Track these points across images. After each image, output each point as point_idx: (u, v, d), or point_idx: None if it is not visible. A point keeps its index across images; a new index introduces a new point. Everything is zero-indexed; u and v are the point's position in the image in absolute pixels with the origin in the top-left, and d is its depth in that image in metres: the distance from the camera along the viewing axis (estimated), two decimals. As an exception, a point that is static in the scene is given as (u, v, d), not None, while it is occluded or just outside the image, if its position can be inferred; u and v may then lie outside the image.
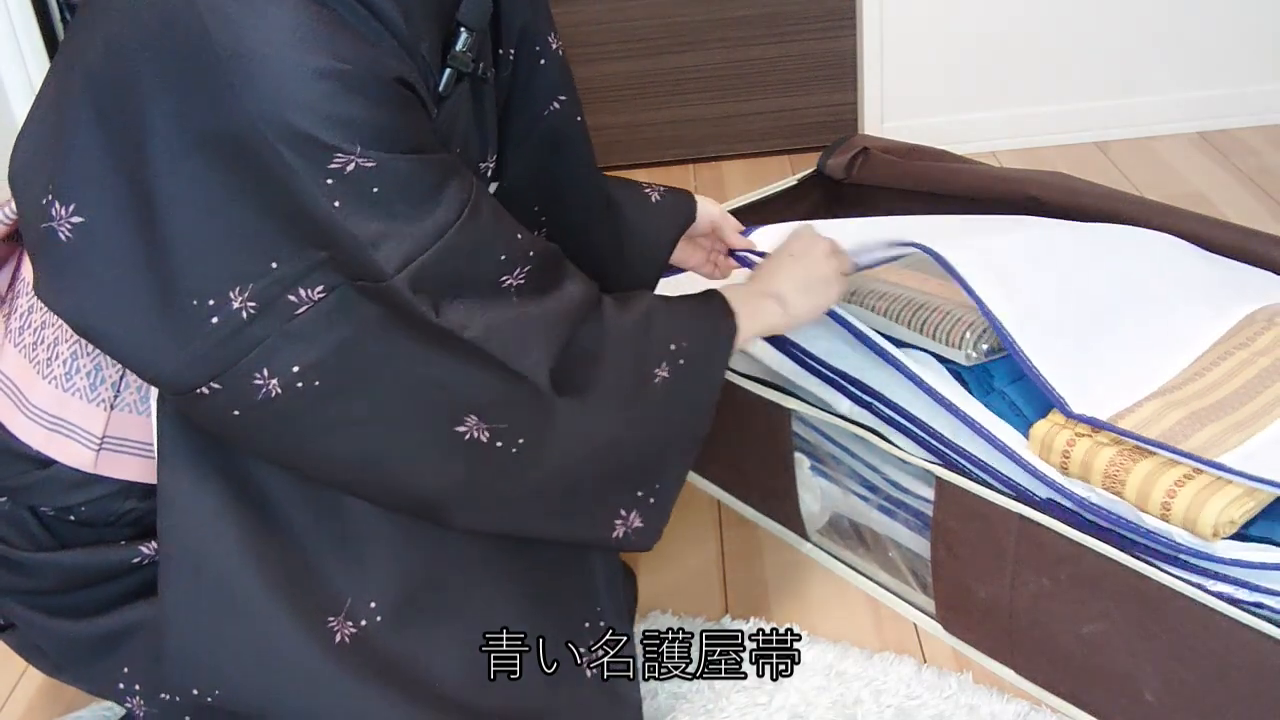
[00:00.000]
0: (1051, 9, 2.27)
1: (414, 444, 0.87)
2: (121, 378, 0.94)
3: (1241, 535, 0.97)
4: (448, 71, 0.89)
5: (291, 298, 0.81)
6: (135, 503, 0.97)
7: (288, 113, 0.76)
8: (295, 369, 0.82)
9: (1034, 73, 2.32)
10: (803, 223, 1.16)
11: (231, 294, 0.80)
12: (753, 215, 1.62)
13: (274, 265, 0.80)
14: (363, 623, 0.92)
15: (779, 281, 1.09)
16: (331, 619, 0.92)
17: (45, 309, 0.93)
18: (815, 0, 2.32)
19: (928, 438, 1.14)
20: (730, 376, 1.33)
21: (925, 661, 1.16)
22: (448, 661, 0.96)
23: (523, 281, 0.88)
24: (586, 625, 1.05)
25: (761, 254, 1.23)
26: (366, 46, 0.79)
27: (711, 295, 1.05)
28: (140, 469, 0.96)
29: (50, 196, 0.83)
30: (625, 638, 1.05)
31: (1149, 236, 1.31)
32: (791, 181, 1.69)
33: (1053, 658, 1.07)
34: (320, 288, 0.81)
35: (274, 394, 0.83)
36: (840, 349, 1.23)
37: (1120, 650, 1.01)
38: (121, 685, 0.99)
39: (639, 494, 0.99)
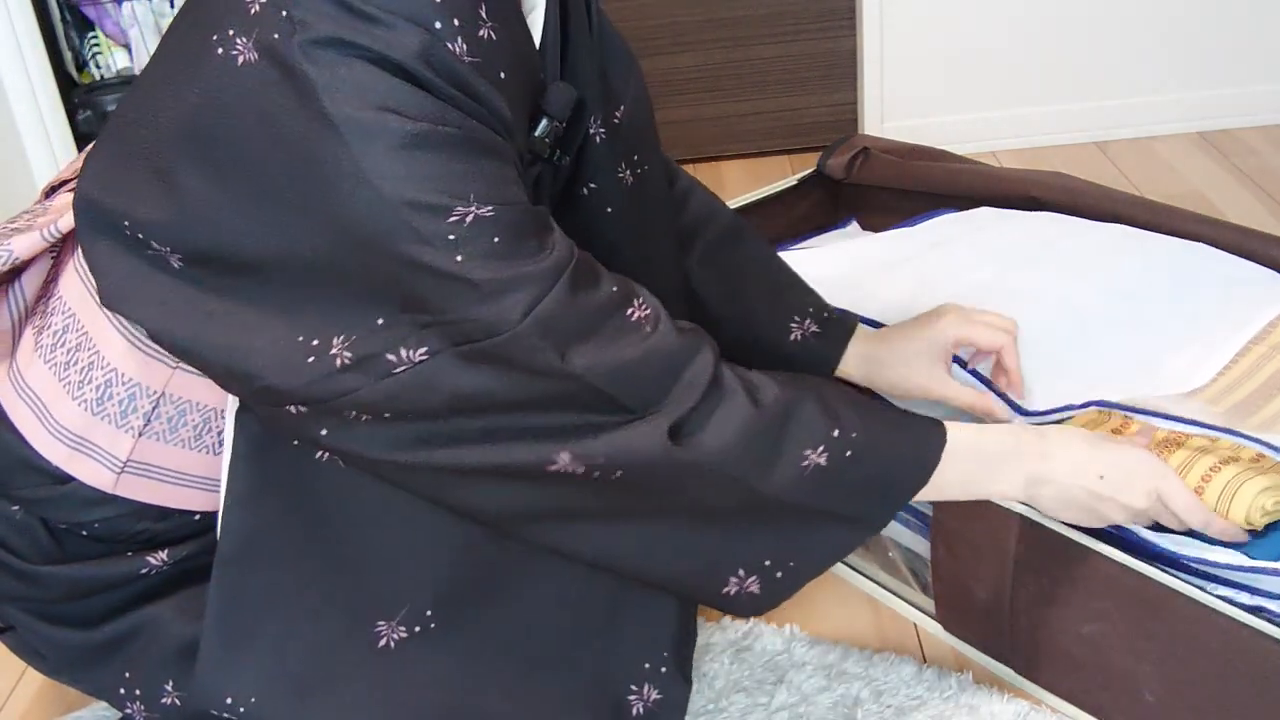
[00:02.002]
0: (1051, 9, 2.27)
1: (497, 480, 0.86)
2: (154, 409, 0.93)
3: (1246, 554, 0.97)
4: (527, 155, 0.90)
5: (390, 356, 0.80)
6: (149, 524, 0.97)
7: (404, 188, 0.76)
8: (386, 415, 0.82)
9: (1034, 73, 2.32)
10: (1150, 457, 0.96)
11: (335, 340, 0.80)
12: (753, 215, 1.62)
13: (380, 321, 0.80)
14: (416, 629, 0.92)
15: (1061, 473, 0.95)
16: (381, 624, 0.91)
17: (81, 332, 0.93)
18: (815, 0, 2.32)
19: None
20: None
21: (925, 661, 1.16)
22: (492, 674, 0.95)
23: (647, 312, 0.87)
24: (647, 666, 1.02)
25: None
26: (472, 121, 0.80)
27: (927, 419, 0.96)
28: (159, 493, 0.96)
29: (141, 235, 0.84)
30: (681, 690, 1.03)
31: (1174, 245, 1.31)
32: (791, 181, 1.69)
33: (1053, 658, 1.07)
34: (423, 350, 0.80)
35: (362, 419, 0.83)
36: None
37: (1120, 650, 1.01)
38: (122, 690, 0.99)
39: (766, 563, 0.95)
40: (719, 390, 0.88)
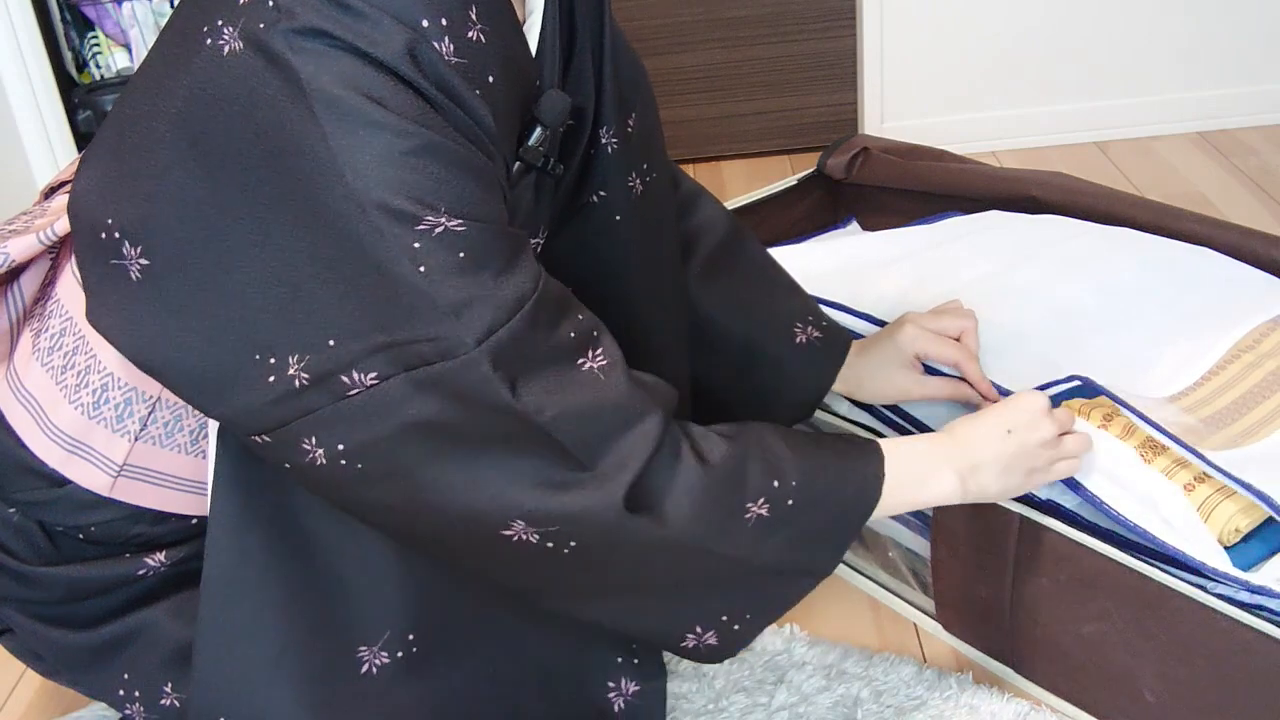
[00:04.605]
0: (1051, 9, 2.27)
1: (459, 536, 0.85)
2: (150, 413, 0.93)
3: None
4: (517, 164, 0.88)
5: (345, 379, 0.78)
6: (145, 527, 0.97)
7: (377, 188, 0.75)
8: (340, 447, 0.80)
9: (1034, 73, 2.32)
10: (1032, 393, 0.99)
11: (291, 359, 0.79)
12: (753, 215, 1.62)
13: (330, 343, 0.78)
14: (399, 654, 0.92)
15: (978, 451, 0.96)
16: (363, 649, 0.91)
17: (79, 335, 0.93)
18: (815, 0, 2.32)
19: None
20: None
21: (925, 661, 1.16)
22: (476, 698, 0.95)
23: (603, 363, 0.85)
24: (619, 660, 1.04)
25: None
26: (454, 130, 0.78)
27: (865, 445, 0.95)
28: (156, 497, 0.96)
29: (118, 234, 0.83)
30: (657, 679, 1.04)
31: (1175, 248, 1.31)
32: (791, 181, 1.69)
33: (1053, 658, 1.07)
34: (374, 374, 0.78)
35: (319, 463, 0.81)
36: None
37: (1120, 650, 1.01)
38: (121, 692, 0.99)
39: (723, 619, 0.95)
40: (671, 453, 0.86)
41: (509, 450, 0.81)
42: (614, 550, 0.86)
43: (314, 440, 0.80)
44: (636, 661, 1.03)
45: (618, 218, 1.03)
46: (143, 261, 0.82)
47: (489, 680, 0.97)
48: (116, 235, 0.83)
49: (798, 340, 1.15)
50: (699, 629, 0.94)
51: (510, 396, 0.79)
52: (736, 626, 0.95)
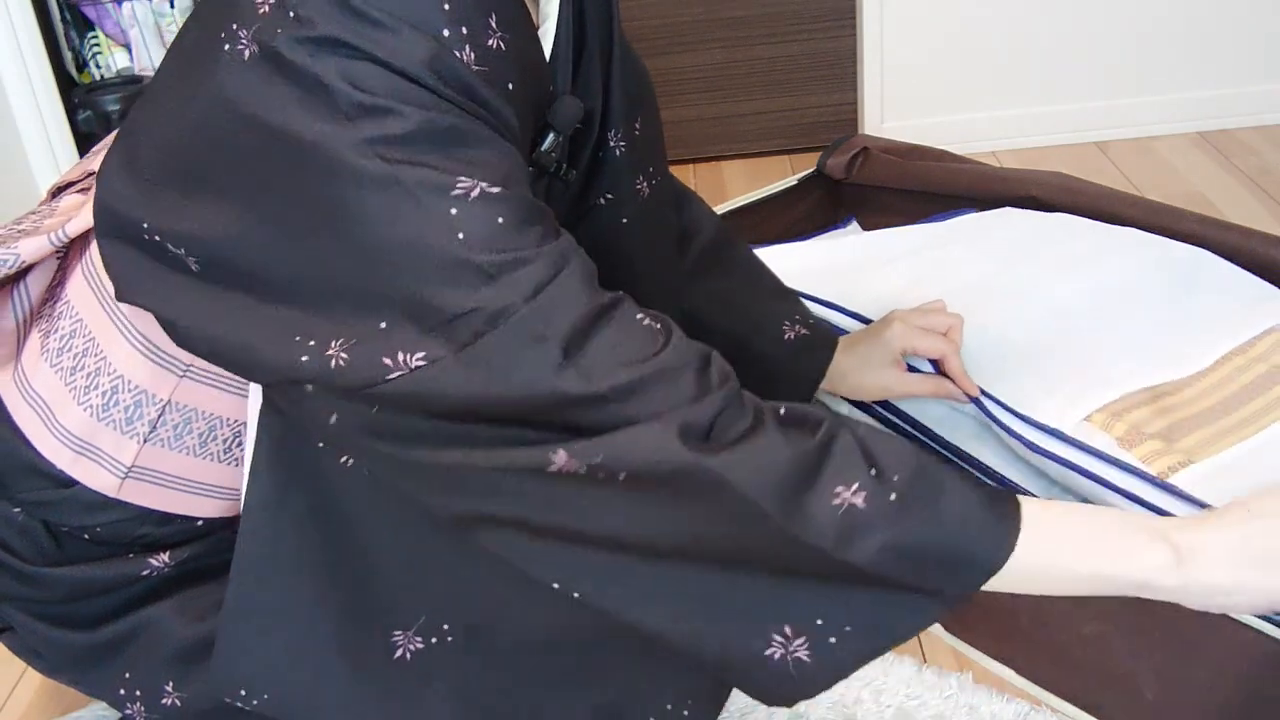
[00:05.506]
0: (1051, 9, 2.27)
1: (499, 492, 0.78)
2: (160, 416, 0.93)
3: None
4: (530, 169, 0.87)
5: (387, 360, 0.76)
6: (151, 528, 0.97)
7: (408, 163, 0.74)
8: (382, 420, 0.78)
9: (1034, 73, 2.32)
10: None
11: (333, 343, 0.77)
12: (753, 215, 1.62)
13: (382, 325, 0.76)
14: (433, 640, 0.91)
15: (1209, 530, 0.76)
16: (398, 633, 0.90)
17: (89, 338, 0.93)
18: (815, 0, 2.32)
19: (926, 440, 1.14)
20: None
21: (925, 661, 1.16)
22: (510, 690, 0.94)
23: (659, 325, 0.80)
24: (669, 708, 0.95)
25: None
26: (476, 119, 0.78)
27: (999, 491, 0.78)
28: (163, 498, 0.96)
29: (159, 238, 0.82)
30: None
31: (1177, 249, 1.31)
32: (791, 181, 1.69)
33: (1053, 658, 1.07)
34: (421, 355, 0.75)
35: (362, 419, 0.78)
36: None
37: (1120, 650, 1.01)
38: (122, 691, 0.99)
39: (818, 622, 0.78)
40: (735, 398, 0.78)
41: (557, 411, 0.76)
42: (671, 489, 0.74)
43: (349, 407, 0.78)
44: (687, 714, 0.94)
45: (625, 220, 1.03)
46: (192, 258, 0.82)
47: (528, 673, 0.93)
48: (158, 238, 0.83)
49: (786, 337, 1.16)
50: (788, 630, 0.78)
51: (562, 359, 0.75)
52: (833, 639, 0.78)
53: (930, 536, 0.75)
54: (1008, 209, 1.47)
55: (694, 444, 0.74)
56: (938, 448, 1.16)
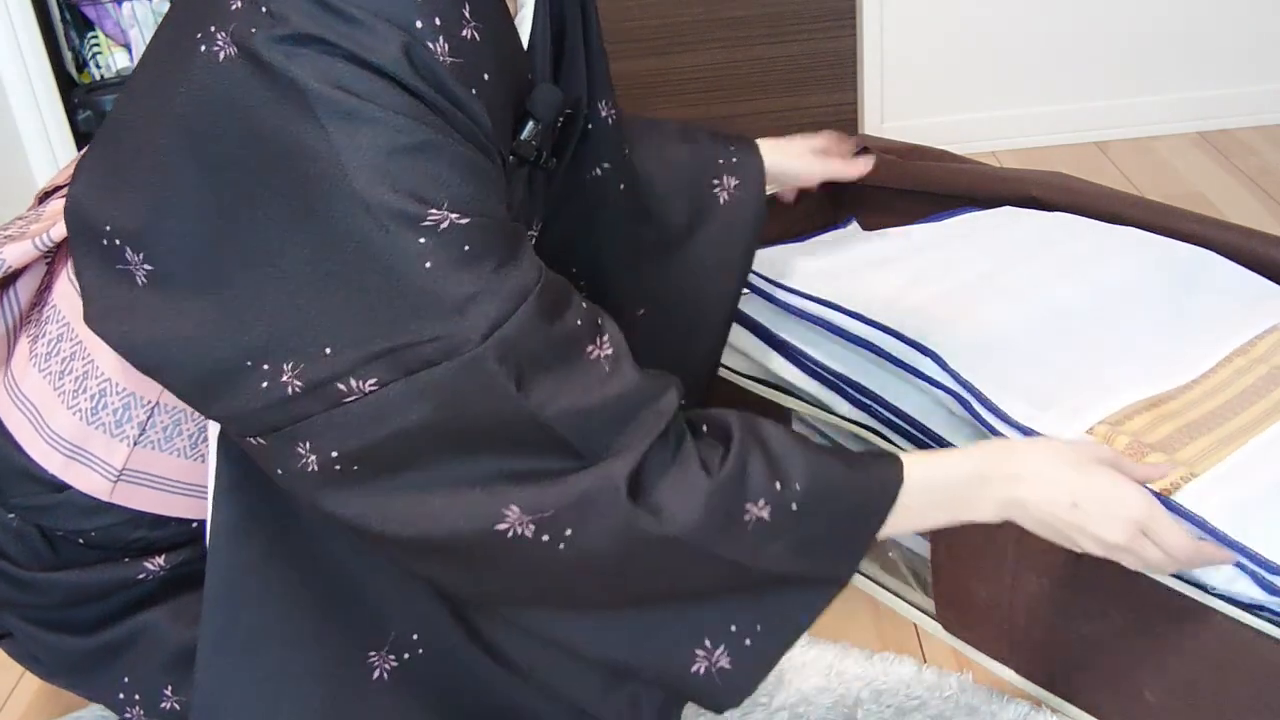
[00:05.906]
0: (1051, 9, 2.27)
1: (453, 543, 0.81)
2: (149, 418, 0.93)
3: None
4: (511, 159, 0.88)
5: (341, 386, 0.77)
6: (145, 531, 0.97)
7: (381, 186, 0.74)
8: (334, 454, 0.79)
9: (1034, 73, 2.32)
10: (1142, 495, 0.87)
11: (285, 366, 0.78)
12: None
13: (327, 351, 0.77)
14: (405, 656, 0.91)
15: (1040, 476, 0.88)
16: (373, 654, 0.90)
17: (76, 341, 0.93)
18: (815, 0, 2.32)
19: (926, 440, 1.14)
20: (730, 376, 1.33)
21: (925, 661, 1.16)
22: (482, 702, 0.94)
23: (609, 352, 0.83)
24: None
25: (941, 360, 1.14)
26: (452, 129, 0.78)
27: (883, 455, 0.90)
28: (155, 501, 0.96)
29: (118, 241, 0.82)
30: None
31: (1178, 249, 1.31)
32: (791, 181, 1.68)
33: (1053, 658, 1.07)
34: (373, 380, 0.77)
35: (311, 469, 0.80)
36: (839, 352, 1.23)
37: (1120, 650, 1.01)
38: (121, 695, 0.99)
39: (731, 629, 0.88)
40: (674, 444, 0.83)
41: (508, 447, 0.80)
42: (613, 543, 0.81)
43: (307, 445, 0.79)
44: (748, 644, 0.94)
45: (621, 186, 1.05)
46: (146, 267, 0.82)
47: (497, 684, 0.94)
48: (118, 242, 0.83)
49: (721, 200, 1.19)
50: (708, 643, 0.88)
51: (515, 391, 0.77)
52: (748, 641, 0.89)
53: (825, 533, 0.86)
54: (1008, 209, 1.47)
55: (637, 498, 0.80)
56: (938, 448, 1.16)
